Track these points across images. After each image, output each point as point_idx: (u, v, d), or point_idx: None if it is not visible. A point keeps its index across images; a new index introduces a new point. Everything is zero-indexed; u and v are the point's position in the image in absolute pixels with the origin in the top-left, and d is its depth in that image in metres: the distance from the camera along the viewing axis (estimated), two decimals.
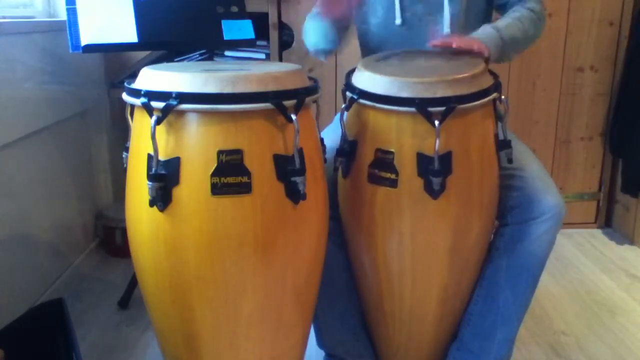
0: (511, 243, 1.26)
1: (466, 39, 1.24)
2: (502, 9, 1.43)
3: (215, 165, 0.98)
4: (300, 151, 1.02)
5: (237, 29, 1.81)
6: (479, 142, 1.16)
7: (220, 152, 0.98)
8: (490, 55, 1.23)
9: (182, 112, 0.98)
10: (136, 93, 1.01)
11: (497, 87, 1.19)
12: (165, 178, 0.99)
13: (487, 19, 1.44)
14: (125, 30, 1.64)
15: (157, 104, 0.98)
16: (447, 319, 1.33)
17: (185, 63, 1.53)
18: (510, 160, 1.22)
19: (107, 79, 2.28)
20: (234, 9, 1.82)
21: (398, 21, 1.38)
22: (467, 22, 1.37)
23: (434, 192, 1.12)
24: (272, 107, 0.99)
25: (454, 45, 1.21)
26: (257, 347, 1.12)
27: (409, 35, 1.39)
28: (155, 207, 1.01)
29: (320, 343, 1.47)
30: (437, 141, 1.07)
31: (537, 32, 1.36)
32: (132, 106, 1.07)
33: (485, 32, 1.27)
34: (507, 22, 1.31)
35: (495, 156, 1.21)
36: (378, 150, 1.16)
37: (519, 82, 2.43)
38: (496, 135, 1.21)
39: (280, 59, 2.26)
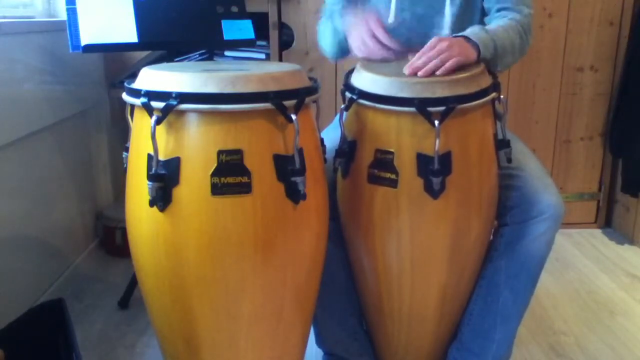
0: (510, 243, 1.26)
1: (441, 49, 1.15)
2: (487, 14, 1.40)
3: (215, 165, 0.98)
4: (300, 151, 1.02)
5: (237, 29, 1.81)
6: (478, 141, 1.17)
7: (220, 152, 0.98)
8: (481, 54, 1.20)
9: (182, 112, 0.98)
10: (136, 93, 1.01)
11: (495, 87, 1.19)
12: (165, 178, 0.99)
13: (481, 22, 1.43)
14: (125, 30, 1.64)
15: (157, 104, 0.98)
16: (446, 318, 1.33)
17: (185, 63, 1.53)
18: (509, 160, 1.22)
19: (107, 79, 2.28)
20: (234, 9, 1.82)
21: (390, 20, 1.37)
22: (463, 25, 1.36)
23: (433, 192, 1.12)
24: (272, 107, 0.99)
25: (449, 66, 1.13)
26: (257, 347, 1.12)
27: (408, 35, 1.39)
28: (155, 207, 1.01)
29: (319, 342, 1.47)
30: (437, 141, 1.07)
31: (524, 46, 1.31)
32: (132, 106, 1.07)
33: (474, 32, 1.22)
34: (495, 26, 1.27)
35: (495, 156, 1.21)
36: (377, 150, 1.16)
37: (519, 82, 2.43)
38: (495, 135, 1.21)
39: (280, 59, 2.26)
